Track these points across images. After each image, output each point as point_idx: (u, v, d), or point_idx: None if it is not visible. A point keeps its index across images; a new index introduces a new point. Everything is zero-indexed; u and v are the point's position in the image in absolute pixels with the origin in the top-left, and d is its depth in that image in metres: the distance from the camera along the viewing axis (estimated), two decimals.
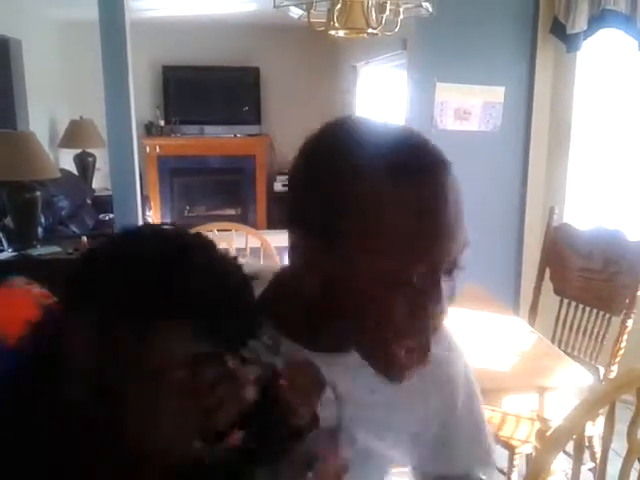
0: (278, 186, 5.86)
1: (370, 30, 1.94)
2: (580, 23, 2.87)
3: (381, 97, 4.77)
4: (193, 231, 0.67)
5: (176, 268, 0.60)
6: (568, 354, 2.12)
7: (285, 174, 5.78)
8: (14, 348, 0.56)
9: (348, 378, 0.74)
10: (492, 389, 1.77)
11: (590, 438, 2.07)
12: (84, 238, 3.30)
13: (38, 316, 0.58)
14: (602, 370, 2.18)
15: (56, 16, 4.94)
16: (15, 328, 0.56)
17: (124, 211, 3.24)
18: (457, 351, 0.86)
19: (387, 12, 1.90)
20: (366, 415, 0.77)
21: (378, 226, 0.62)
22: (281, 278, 0.77)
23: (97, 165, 5.45)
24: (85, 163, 5.40)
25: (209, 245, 0.65)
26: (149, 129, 5.80)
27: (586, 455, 2.02)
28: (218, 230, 2.85)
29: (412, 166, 0.63)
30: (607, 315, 2.23)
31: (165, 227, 0.67)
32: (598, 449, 2.00)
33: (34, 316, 0.57)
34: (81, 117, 5.17)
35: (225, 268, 0.65)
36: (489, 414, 2.10)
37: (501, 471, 2.08)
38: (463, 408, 0.86)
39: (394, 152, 0.64)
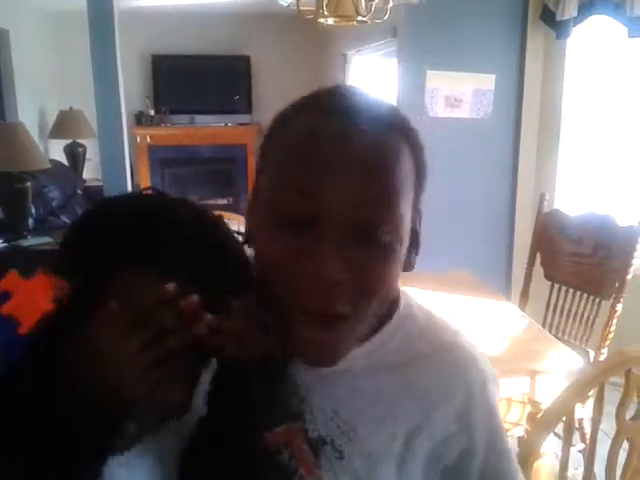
0: None
1: (359, 18, 1.94)
2: (570, 10, 2.88)
3: (372, 85, 4.76)
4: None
5: (162, 218, 0.61)
6: (559, 338, 2.14)
7: None
8: (24, 336, 0.56)
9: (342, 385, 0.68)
10: None
11: (580, 420, 2.10)
12: None
13: (51, 309, 0.58)
14: (592, 354, 2.21)
15: (44, 5, 4.88)
16: (31, 317, 0.56)
17: None
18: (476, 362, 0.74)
19: (376, 0, 1.90)
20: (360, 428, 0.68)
21: (279, 146, 0.61)
22: None
23: (87, 155, 5.42)
24: (75, 153, 5.37)
25: (193, 203, 0.66)
26: (139, 119, 5.76)
27: (577, 437, 2.05)
28: None
29: (339, 106, 0.59)
30: (597, 299, 2.25)
31: (148, 191, 0.68)
32: (588, 431, 2.02)
33: (48, 308, 0.57)
34: (71, 108, 5.13)
35: (211, 221, 0.66)
36: None
37: None
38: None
39: (342, 96, 0.61)
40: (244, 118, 5.94)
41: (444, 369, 0.70)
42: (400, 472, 0.68)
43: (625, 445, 1.24)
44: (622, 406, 1.21)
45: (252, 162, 6.04)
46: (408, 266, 0.66)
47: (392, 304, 0.71)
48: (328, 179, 0.56)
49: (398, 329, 0.71)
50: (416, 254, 0.67)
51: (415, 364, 0.70)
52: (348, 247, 0.57)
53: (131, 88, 4.44)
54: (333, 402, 0.68)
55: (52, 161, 4.19)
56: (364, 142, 0.57)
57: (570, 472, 1.31)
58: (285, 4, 2.06)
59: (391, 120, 0.61)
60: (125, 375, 0.54)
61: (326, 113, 0.59)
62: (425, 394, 0.68)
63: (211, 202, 5.97)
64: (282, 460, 0.67)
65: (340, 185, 0.55)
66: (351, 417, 0.68)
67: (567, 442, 1.26)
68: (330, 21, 2.00)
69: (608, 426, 1.26)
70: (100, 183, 3.84)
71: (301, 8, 1.98)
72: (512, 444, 1.98)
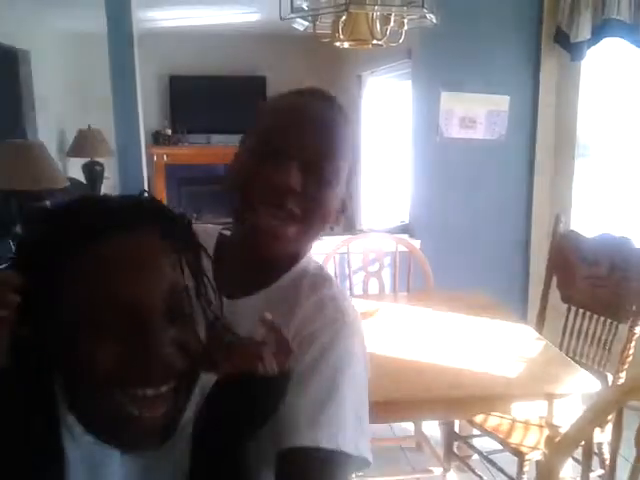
0: None
1: (375, 41, 1.96)
2: (584, 32, 2.89)
3: (387, 106, 4.78)
4: None
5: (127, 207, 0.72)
6: (576, 361, 2.12)
7: None
8: None
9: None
10: (501, 396, 1.78)
11: (600, 445, 2.07)
12: None
13: None
14: (610, 377, 2.18)
15: (64, 27, 4.99)
16: None
17: None
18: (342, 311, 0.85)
19: (391, 24, 1.92)
20: None
21: (263, 117, 0.90)
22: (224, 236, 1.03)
23: (105, 174, 5.48)
24: (93, 172, 5.43)
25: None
26: (157, 138, 5.83)
27: (596, 462, 2.02)
28: None
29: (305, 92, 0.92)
30: (614, 322, 2.23)
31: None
32: (607, 456, 1.99)
33: None
34: (89, 127, 5.21)
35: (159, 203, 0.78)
36: (498, 421, 2.10)
37: (511, 478, 2.08)
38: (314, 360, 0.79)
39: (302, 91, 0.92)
40: None
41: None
42: None
43: None
44: None
45: None
46: (336, 220, 0.91)
47: (294, 259, 0.91)
48: (297, 128, 0.85)
49: (294, 280, 0.90)
50: (343, 216, 0.92)
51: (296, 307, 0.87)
52: (304, 172, 0.84)
53: (149, 108, 4.51)
54: None
55: (70, 179, 4.23)
56: (321, 112, 0.88)
57: None
58: (301, 28, 2.09)
59: (338, 105, 0.91)
60: None
61: (297, 95, 0.91)
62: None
63: (226, 220, 5.98)
64: None
65: (305, 131, 0.85)
66: None
67: (586, 467, 1.25)
68: (346, 44, 2.02)
69: (628, 451, 1.24)
70: None
71: (317, 31, 2.01)
72: (530, 468, 1.97)
